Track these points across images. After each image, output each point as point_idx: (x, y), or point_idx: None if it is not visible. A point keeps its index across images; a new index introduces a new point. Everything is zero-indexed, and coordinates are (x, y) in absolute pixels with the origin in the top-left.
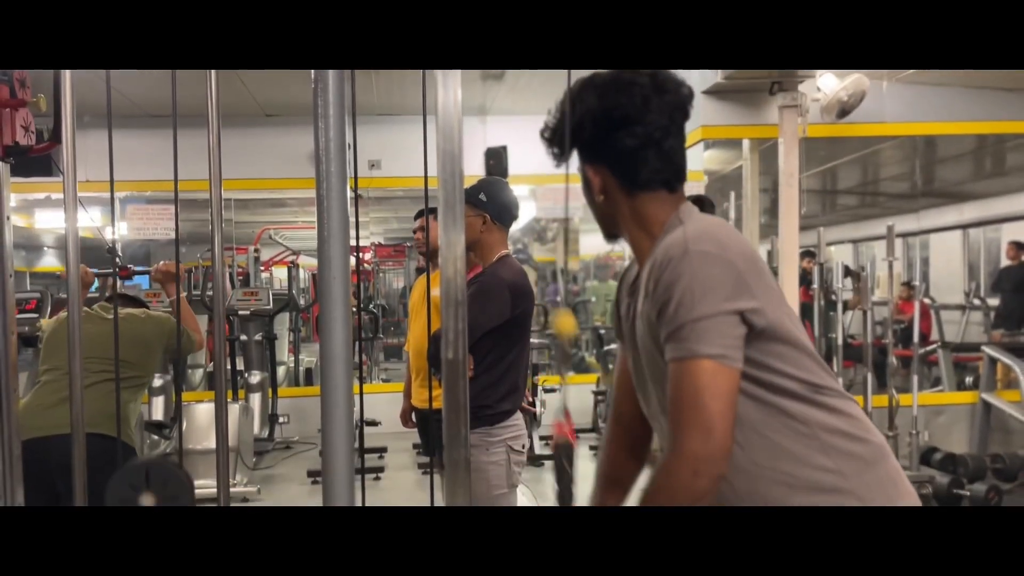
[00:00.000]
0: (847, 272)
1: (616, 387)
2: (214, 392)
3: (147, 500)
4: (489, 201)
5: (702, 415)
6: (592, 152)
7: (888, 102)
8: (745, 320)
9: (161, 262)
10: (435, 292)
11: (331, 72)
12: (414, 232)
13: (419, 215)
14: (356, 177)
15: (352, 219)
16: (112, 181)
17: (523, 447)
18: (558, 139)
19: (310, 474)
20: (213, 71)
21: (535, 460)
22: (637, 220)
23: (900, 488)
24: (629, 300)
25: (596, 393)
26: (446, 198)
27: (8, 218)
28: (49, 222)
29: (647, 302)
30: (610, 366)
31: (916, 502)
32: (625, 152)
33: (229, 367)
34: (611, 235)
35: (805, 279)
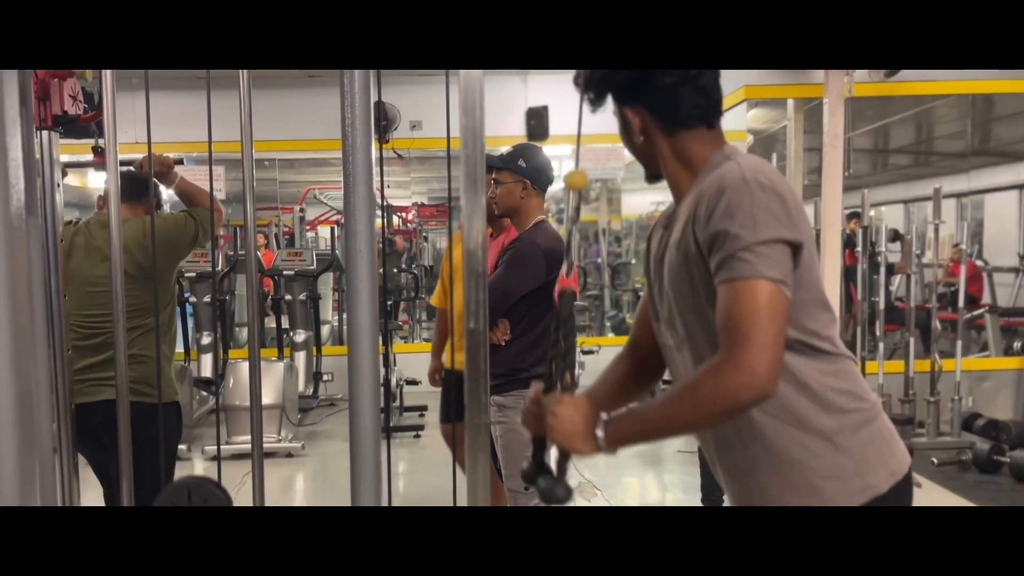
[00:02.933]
0: (894, 236)
1: (637, 318)
2: (267, 350)
3: None
4: (528, 167)
5: (762, 332)
6: (629, 94)
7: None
8: (794, 253)
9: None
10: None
11: (357, 72)
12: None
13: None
14: (382, 151)
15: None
16: (149, 144)
17: None
18: (593, 86)
19: None
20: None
21: None
22: (678, 158)
23: (892, 446)
24: (663, 232)
25: None
26: (468, 172)
27: (59, 184)
28: (102, 182)
29: (694, 228)
30: None
31: (906, 459)
32: (662, 90)
33: (274, 326)
34: (653, 176)
35: (851, 241)
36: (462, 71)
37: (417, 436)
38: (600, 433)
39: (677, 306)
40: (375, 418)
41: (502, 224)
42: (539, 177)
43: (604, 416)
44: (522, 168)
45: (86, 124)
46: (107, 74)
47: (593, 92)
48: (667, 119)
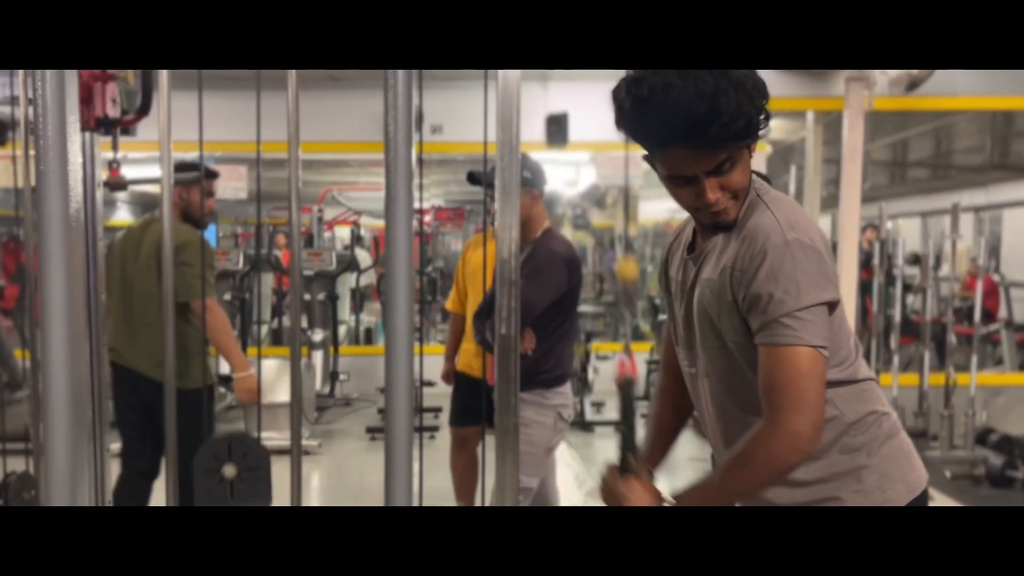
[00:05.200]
0: (914, 259)
1: (666, 342)
2: (288, 349)
3: (229, 470)
4: (533, 176)
5: (804, 399)
6: (754, 131)
7: (960, 74)
8: (830, 309)
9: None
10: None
11: (400, 72)
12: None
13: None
14: (421, 160)
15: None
16: (201, 142)
17: (568, 416)
18: (741, 125)
19: (369, 430)
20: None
21: (586, 425)
22: (742, 187)
23: (912, 461)
24: (688, 263)
25: (650, 362)
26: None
27: (99, 185)
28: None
29: (731, 281)
30: (663, 334)
31: (923, 475)
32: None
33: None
34: (727, 224)
35: (868, 258)
36: (500, 73)
37: (432, 437)
38: None
39: (702, 340)
40: (409, 419)
41: None
42: (542, 183)
43: (670, 500)
44: (528, 179)
45: (128, 125)
46: (163, 74)
47: (741, 131)
48: (750, 148)
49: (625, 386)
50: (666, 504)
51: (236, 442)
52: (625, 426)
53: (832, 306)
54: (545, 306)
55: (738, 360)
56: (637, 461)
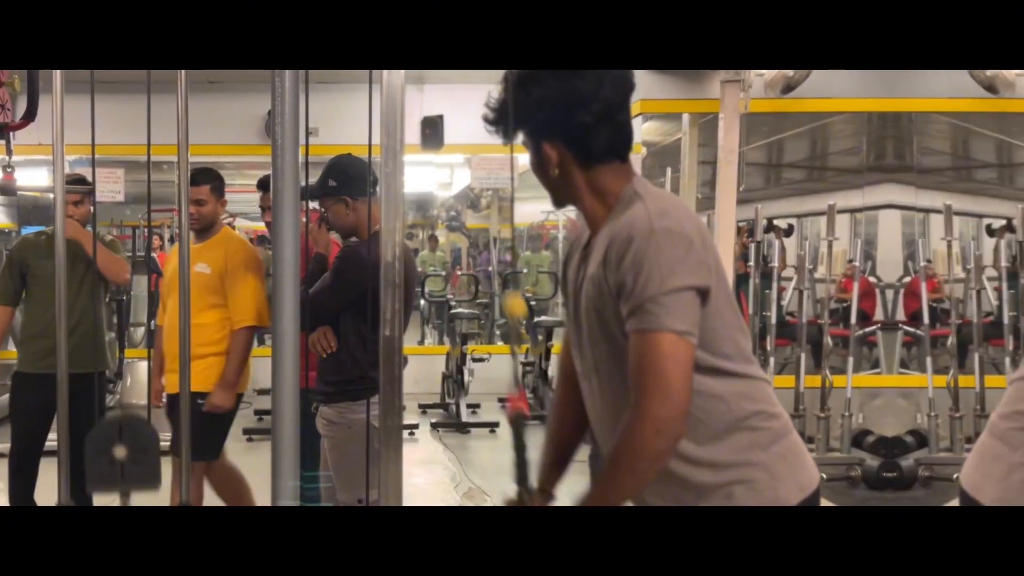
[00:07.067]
0: (769, 226)
1: (563, 348)
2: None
3: (120, 451)
4: (340, 185)
5: (663, 381)
6: (549, 130)
7: (836, 77)
8: (700, 295)
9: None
10: (197, 268)
11: (288, 72)
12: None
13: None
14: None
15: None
16: (93, 145)
17: None
18: (511, 121)
19: (246, 431)
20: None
21: (462, 427)
22: (593, 190)
23: (803, 461)
24: (579, 264)
25: (524, 364)
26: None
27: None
28: None
29: (605, 271)
30: (539, 337)
31: (815, 476)
32: (583, 128)
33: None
34: (561, 204)
35: (745, 254)
36: (384, 74)
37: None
38: None
39: (590, 336)
40: (295, 421)
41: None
42: (357, 188)
43: None
44: (335, 188)
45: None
46: (57, 77)
47: (510, 126)
48: (585, 154)
49: (516, 420)
50: None
51: (127, 424)
52: (518, 461)
53: (702, 292)
54: (339, 306)
55: (623, 357)
56: (533, 493)
